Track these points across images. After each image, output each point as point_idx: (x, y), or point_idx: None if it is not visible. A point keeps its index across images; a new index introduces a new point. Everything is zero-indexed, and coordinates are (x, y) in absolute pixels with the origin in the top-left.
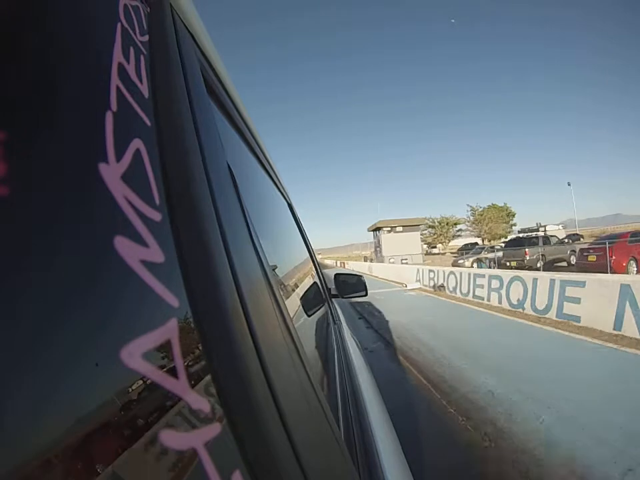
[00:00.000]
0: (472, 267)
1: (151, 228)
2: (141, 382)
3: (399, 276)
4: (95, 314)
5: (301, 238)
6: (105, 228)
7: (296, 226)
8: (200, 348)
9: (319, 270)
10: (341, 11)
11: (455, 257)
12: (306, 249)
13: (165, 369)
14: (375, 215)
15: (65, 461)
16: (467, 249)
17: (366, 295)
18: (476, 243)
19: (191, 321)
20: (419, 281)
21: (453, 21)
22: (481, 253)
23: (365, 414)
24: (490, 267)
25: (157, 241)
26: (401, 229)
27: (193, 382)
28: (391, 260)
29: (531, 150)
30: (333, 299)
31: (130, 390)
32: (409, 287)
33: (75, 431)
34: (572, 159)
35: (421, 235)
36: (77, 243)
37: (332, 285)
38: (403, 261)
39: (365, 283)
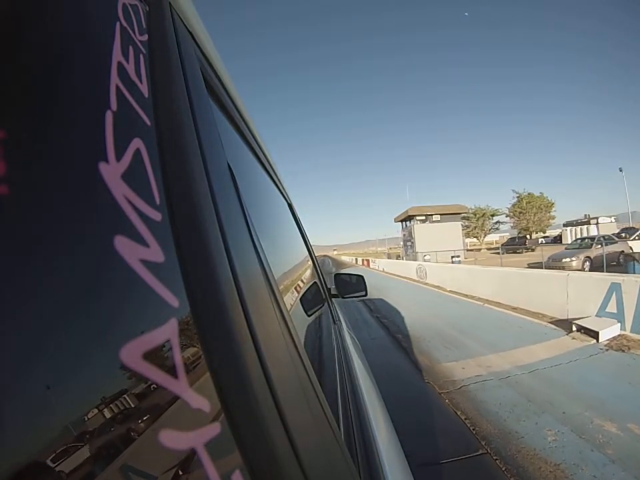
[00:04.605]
0: (582, 268)
1: (151, 228)
2: (140, 382)
3: (527, 298)
4: (94, 313)
5: (301, 238)
6: (105, 227)
7: (296, 226)
8: (200, 348)
9: (318, 270)
10: None
11: (496, 253)
12: (306, 249)
13: (164, 369)
14: (396, 208)
15: (64, 461)
16: (514, 244)
17: (366, 294)
18: (525, 237)
19: (190, 321)
20: (617, 313)
21: (466, 14)
22: (591, 245)
23: (365, 414)
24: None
25: (157, 240)
26: (438, 217)
27: (192, 382)
28: (426, 257)
29: (569, 132)
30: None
31: (130, 390)
32: (604, 339)
33: (74, 431)
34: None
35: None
36: (77, 242)
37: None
38: (455, 259)
39: (365, 283)
